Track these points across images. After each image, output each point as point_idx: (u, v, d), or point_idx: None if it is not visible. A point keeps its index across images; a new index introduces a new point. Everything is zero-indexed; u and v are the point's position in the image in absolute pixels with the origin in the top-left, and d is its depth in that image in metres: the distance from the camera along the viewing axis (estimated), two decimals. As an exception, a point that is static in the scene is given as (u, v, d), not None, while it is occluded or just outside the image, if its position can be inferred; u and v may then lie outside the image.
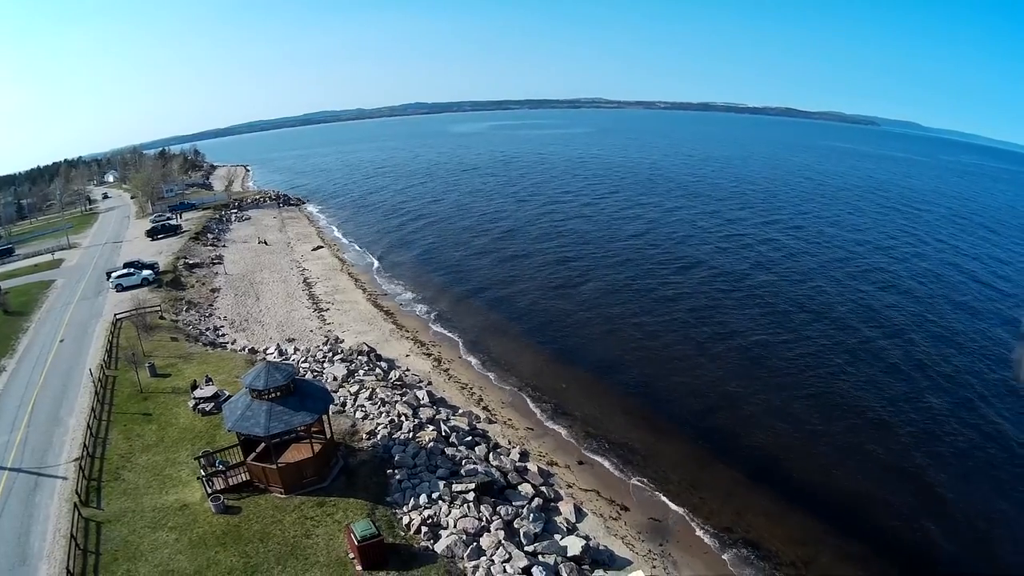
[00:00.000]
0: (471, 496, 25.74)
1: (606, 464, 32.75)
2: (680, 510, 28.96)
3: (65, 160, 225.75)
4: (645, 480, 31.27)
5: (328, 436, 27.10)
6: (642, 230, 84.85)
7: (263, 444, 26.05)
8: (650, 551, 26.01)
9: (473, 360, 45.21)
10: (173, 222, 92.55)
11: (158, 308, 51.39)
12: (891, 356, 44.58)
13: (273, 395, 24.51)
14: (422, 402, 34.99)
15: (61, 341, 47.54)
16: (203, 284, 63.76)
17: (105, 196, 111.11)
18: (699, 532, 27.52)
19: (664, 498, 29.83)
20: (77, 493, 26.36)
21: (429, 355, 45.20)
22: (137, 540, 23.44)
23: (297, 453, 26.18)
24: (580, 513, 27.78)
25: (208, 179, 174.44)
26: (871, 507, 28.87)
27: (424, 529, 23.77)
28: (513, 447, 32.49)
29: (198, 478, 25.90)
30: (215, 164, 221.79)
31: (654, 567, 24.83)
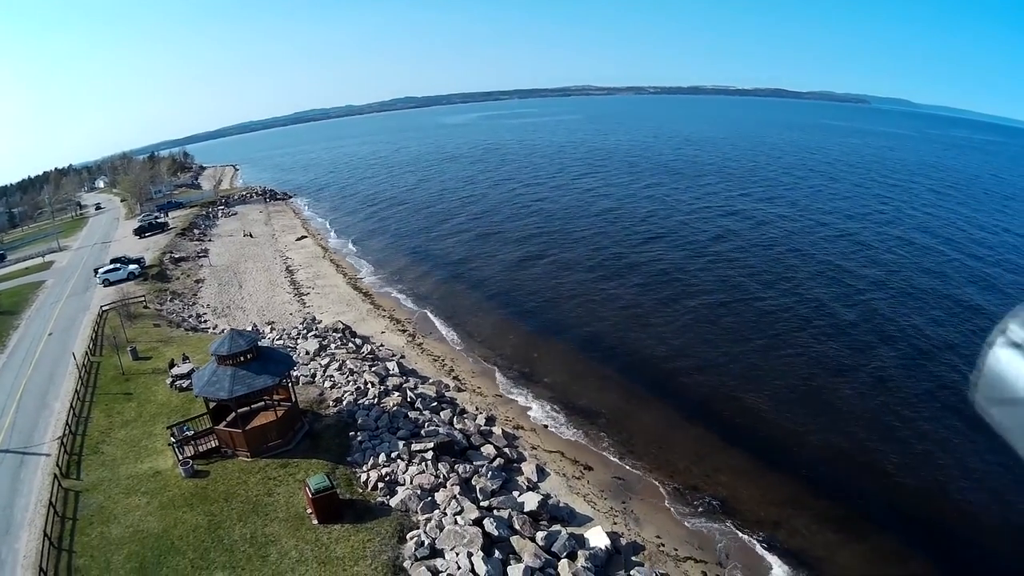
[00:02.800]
0: (429, 455, 26.85)
1: (574, 427, 33.14)
2: (646, 470, 29.09)
3: (56, 169, 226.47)
4: (612, 441, 31.55)
5: (293, 401, 28.39)
6: (612, 206, 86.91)
7: (233, 414, 27.45)
8: (612, 508, 26.25)
9: (447, 334, 46.52)
10: (160, 220, 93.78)
11: (142, 298, 52.73)
12: (866, 319, 45.17)
13: (237, 360, 25.87)
14: (391, 372, 36.28)
15: (50, 334, 48.84)
16: (188, 276, 65.09)
17: (98, 207, 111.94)
18: (665, 490, 27.62)
19: (631, 458, 30.04)
20: (58, 466, 27.70)
21: (404, 331, 46.56)
22: (111, 505, 24.90)
23: (264, 420, 27.56)
24: (542, 473, 28.15)
25: (197, 179, 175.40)
26: (850, 469, 28.57)
27: (380, 485, 24.93)
28: (480, 413, 33.35)
29: (169, 444, 27.30)
30: (204, 165, 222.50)
31: (615, 524, 25.02)
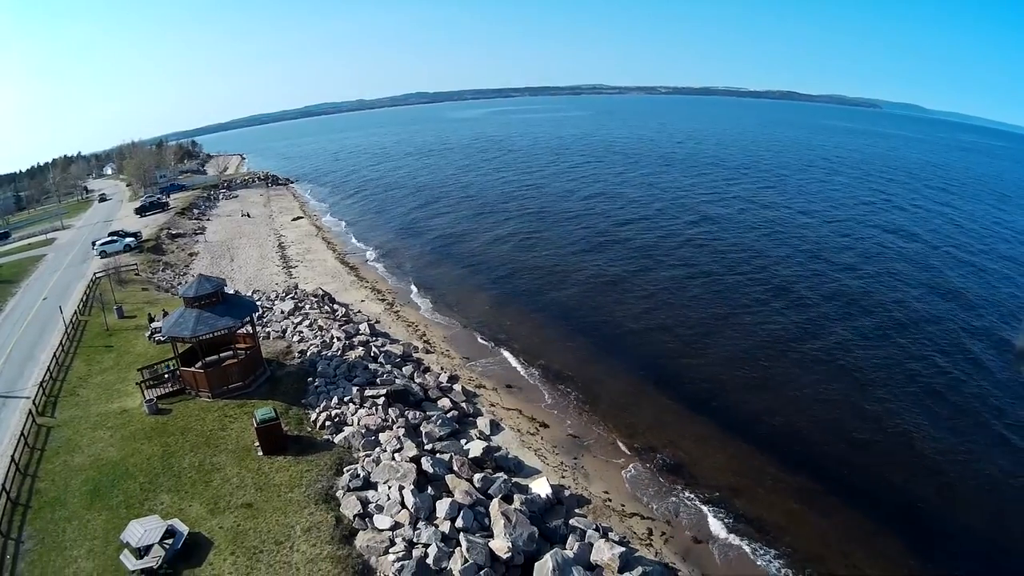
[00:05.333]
0: (381, 400, 27.92)
1: (537, 389, 33.65)
2: (605, 430, 29.10)
3: (64, 156, 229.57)
4: (575, 404, 31.82)
5: (255, 347, 29.79)
6: (599, 192, 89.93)
7: (200, 362, 28.92)
8: (563, 463, 26.35)
9: (424, 304, 47.96)
10: (162, 200, 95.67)
11: (135, 267, 54.41)
12: (834, 292, 46.64)
13: (203, 303, 27.40)
14: (360, 332, 37.54)
15: (44, 298, 50.61)
16: (182, 250, 66.92)
17: (102, 198, 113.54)
18: (621, 450, 27.60)
19: (591, 419, 30.16)
20: (35, 403, 29.31)
21: (383, 300, 47.97)
22: (78, 439, 26.57)
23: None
24: (496, 427, 28.49)
25: (203, 167, 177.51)
26: (816, 442, 28.25)
27: (328, 424, 26.17)
28: (444, 372, 34.17)
29: (137, 383, 28.80)
30: (211, 154, 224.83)
31: (563, 477, 25.04)
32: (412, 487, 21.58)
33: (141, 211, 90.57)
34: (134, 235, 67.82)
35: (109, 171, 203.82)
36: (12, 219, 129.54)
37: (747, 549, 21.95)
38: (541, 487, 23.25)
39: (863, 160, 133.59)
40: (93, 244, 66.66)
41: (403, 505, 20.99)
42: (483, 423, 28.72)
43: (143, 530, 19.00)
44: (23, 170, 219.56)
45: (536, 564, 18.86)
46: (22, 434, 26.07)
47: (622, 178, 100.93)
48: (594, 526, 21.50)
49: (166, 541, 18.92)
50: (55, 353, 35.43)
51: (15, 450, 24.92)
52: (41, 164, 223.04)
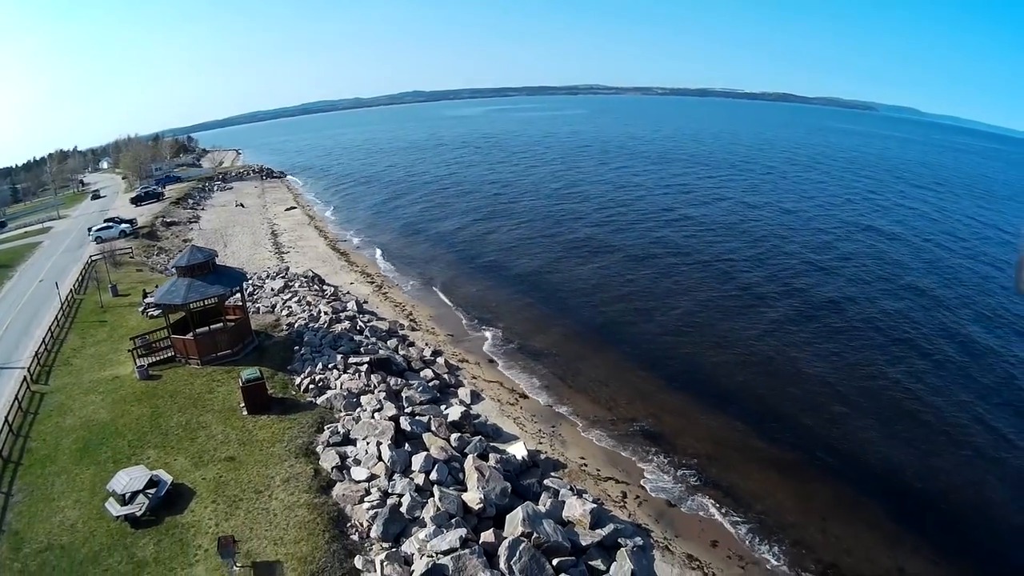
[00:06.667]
0: (364, 367, 28.83)
1: (520, 364, 34.20)
2: (585, 402, 29.62)
3: (60, 150, 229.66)
4: (555, 377, 32.33)
5: (244, 317, 30.71)
6: (587, 182, 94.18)
7: (190, 327, 29.79)
8: (540, 431, 26.94)
9: (411, 285, 49.04)
10: (157, 191, 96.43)
11: (129, 250, 55.30)
12: (815, 278, 47.98)
13: (194, 271, 28.40)
14: (347, 309, 38.45)
15: (40, 281, 51.41)
16: (177, 236, 67.83)
17: (95, 196, 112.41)
18: (599, 420, 27.97)
19: (570, 392, 30.73)
20: (29, 372, 30.10)
21: (372, 283, 48.88)
22: (70, 403, 27.42)
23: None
24: (477, 397, 29.19)
25: (198, 161, 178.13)
26: (796, 418, 28.65)
27: (311, 387, 27.17)
28: (428, 347, 35.05)
29: (129, 350, 29.67)
30: (207, 149, 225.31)
31: (540, 443, 25.60)
32: (390, 443, 22.50)
33: (136, 201, 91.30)
34: (129, 222, 68.70)
35: (105, 165, 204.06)
36: (8, 210, 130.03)
37: (719, 513, 22.42)
38: (517, 450, 23.93)
39: (855, 158, 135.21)
40: (89, 230, 67.50)
41: (380, 459, 21.90)
42: (464, 393, 29.34)
43: (128, 478, 19.82)
44: (18, 165, 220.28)
45: (508, 516, 19.59)
46: (16, 398, 26.91)
47: (599, 172, 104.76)
48: (568, 487, 22.21)
49: (149, 490, 19.72)
50: (50, 327, 36.27)
51: (8, 413, 25.80)
52: (37, 159, 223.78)
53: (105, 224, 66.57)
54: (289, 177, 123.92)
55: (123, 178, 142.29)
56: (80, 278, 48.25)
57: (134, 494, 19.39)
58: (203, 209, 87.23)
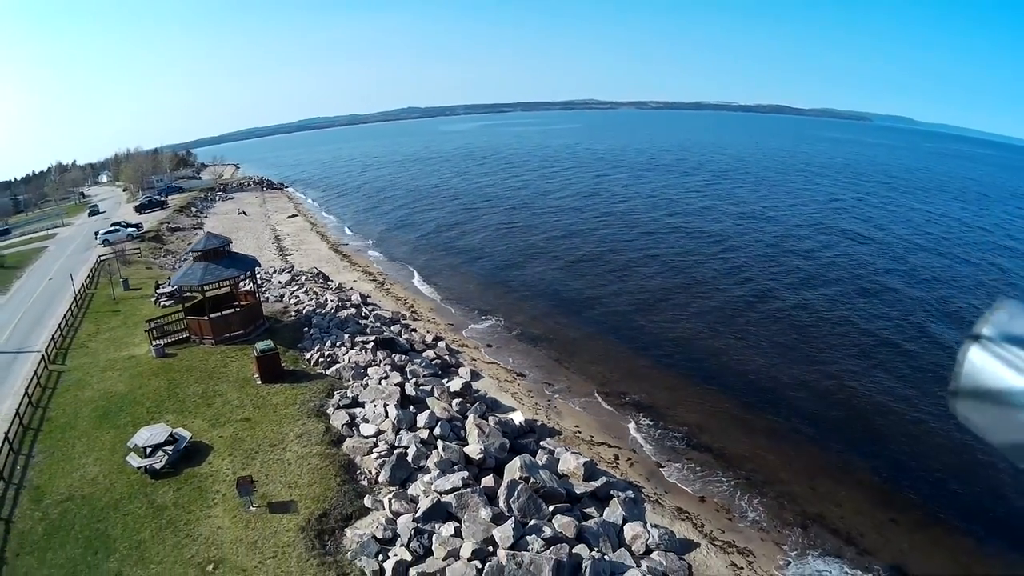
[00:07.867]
0: (370, 345, 30.40)
1: (516, 348, 35.79)
2: (580, 380, 31.08)
3: (59, 163, 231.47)
4: (550, 358, 33.86)
5: (257, 301, 32.22)
6: (577, 191, 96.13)
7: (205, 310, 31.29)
8: (536, 404, 28.33)
9: (413, 283, 50.63)
10: (160, 199, 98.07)
11: (137, 250, 56.82)
12: (799, 268, 50.05)
13: (210, 256, 30.10)
14: (352, 300, 39.91)
15: (50, 279, 52.86)
16: (182, 240, 69.22)
17: (93, 212, 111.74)
18: (593, 394, 29.53)
19: (566, 371, 32.18)
20: (46, 353, 31.42)
21: (374, 280, 50.45)
22: (88, 379, 28.81)
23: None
24: (477, 375, 30.37)
25: (198, 174, 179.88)
26: (786, 391, 29.78)
27: (321, 361, 28.69)
28: (429, 333, 36.56)
29: (145, 331, 31.11)
30: (205, 163, 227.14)
31: (536, 414, 26.81)
32: (396, 404, 24.09)
33: (140, 209, 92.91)
34: (135, 226, 70.32)
35: (104, 179, 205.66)
36: (11, 220, 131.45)
37: (708, 472, 23.62)
38: (516, 417, 25.44)
39: (846, 164, 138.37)
40: (96, 234, 68.96)
41: (387, 417, 23.48)
42: (464, 372, 30.64)
43: (149, 434, 21.18)
44: (18, 178, 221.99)
45: (506, 466, 21.09)
46: (35, 374, 28.22)
47: (599, 180, 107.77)
48: (563, 447, 23.65)
49: (168, 446, 21.02)
50: (65, 315, 37.66)
51: (28, 387, 27.10)
52: (36, 172, 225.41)
53: (112, 228, 68.24)
54: (289, 188, 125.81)
55: (124, 190, 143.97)
56: (91, 275, 49.63)
57: (155, 448, 20.72)
58: (206, 217, 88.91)
